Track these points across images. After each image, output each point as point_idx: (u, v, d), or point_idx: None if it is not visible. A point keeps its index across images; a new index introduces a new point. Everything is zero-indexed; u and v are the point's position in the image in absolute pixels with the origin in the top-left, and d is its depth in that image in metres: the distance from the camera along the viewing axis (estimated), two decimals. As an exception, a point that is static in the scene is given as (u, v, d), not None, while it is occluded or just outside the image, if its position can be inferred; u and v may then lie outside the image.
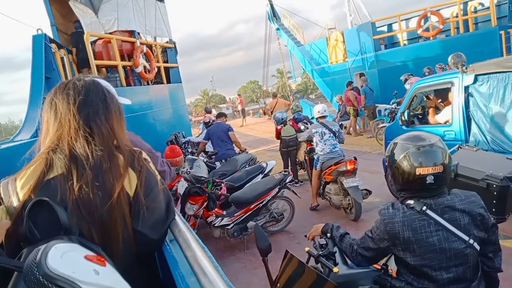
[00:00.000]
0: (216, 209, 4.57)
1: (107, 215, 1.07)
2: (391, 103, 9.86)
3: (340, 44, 14.38)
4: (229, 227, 4.53)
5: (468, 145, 3.77)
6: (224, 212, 4.59)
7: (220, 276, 0.80)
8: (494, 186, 2.68)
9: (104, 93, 1.22)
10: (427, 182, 1.59)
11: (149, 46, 8.43)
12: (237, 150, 6.61)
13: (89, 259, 0.77)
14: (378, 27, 13.38)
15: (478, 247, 1.60)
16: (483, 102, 4.16)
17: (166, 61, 9.67)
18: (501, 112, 4.03)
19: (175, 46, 10.25)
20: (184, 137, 8.02)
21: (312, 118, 9.73)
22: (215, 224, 4.52)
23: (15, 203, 1.04)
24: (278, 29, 19.19)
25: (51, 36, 6.77)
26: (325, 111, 5.73)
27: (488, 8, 10.88)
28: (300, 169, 7.47)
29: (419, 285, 1.61)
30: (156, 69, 8.44)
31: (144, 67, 7.89)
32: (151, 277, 1.29)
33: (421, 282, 1.62)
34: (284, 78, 28.84)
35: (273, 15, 19.19)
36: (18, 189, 1.06)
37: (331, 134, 5.37)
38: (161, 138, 7.37)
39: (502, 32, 10.47)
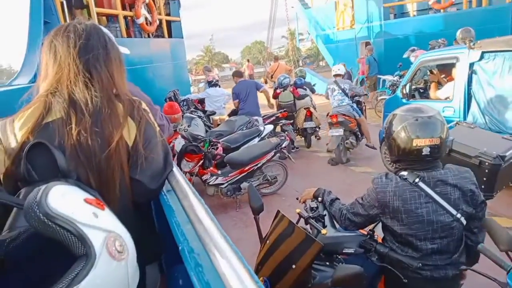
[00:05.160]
0: (211, 168, 4.64)
1: (105, 163, 1.08)
2: (394, 75, 9.70)
3: (349, 9, 13.89)
4: (223, 186, 4.62)
5: (466, 122, 3.77)
6: (219, 172, 4.65)
7: (214, 224, 0.83)
8: (487, 164, 2.71)
9: (105, 39, 1.19)
10: (423, 153, 1.60)
11: (152, -3, 8.11)
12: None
13: (89, 202, 0.79)
14: (389, -5, 12.89)
15: (464, 222, 1.64)
16: (486, 80, 4.11)
17: (168, 14, 9.34)
18: (503, 92, 4.00)
19: (178, -1, 9.86)
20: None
21: (314, 85, 9.58)
22: (209, 182, 4.59)
23: (13, 143, 1.04)
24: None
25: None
26: (339, 70, 6.37)
27: (505, -18, 10.46)
28: (297, 135, 7.49)
29: (403, 253, 1.67)
30: (157, 22, 8.15)
31: (146, 18, 7.61)
32: (146, 225, 1.32)
33: (404, 250, 1.67)
34: (294, 41, 27.42)
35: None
36: (16, 130, 1.05)
37: (340, 91, 6.08)
38: (160, 94, 7.25)
39: (515, 10, 10.12)
